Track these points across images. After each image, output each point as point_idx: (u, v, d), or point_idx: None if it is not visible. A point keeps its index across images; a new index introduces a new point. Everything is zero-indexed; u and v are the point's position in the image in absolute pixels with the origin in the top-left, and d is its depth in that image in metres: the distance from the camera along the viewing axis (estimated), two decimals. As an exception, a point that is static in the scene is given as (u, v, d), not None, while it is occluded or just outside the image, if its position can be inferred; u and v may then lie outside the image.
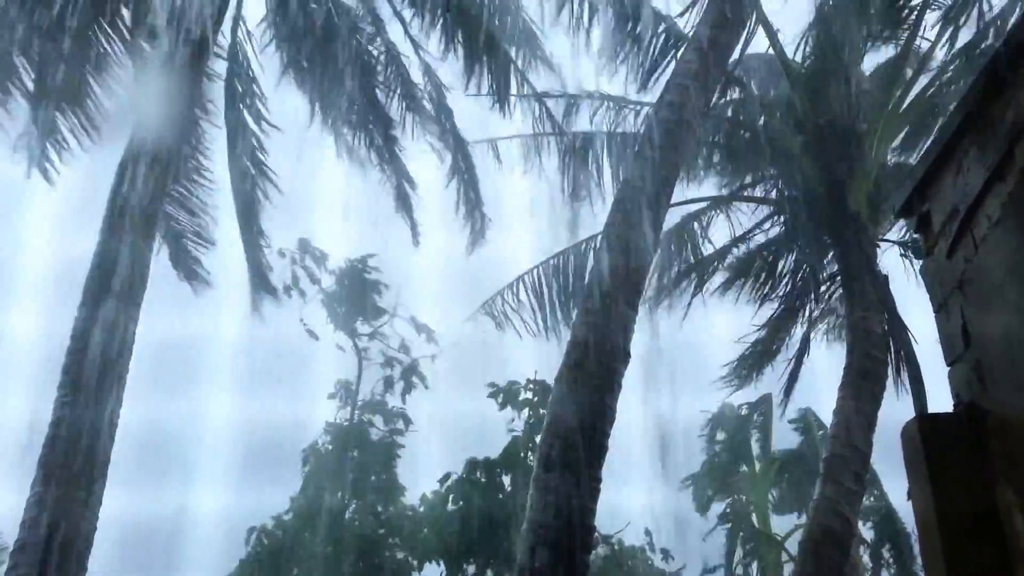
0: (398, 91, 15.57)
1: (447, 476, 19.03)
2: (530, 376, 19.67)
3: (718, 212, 16.57)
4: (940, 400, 3.37)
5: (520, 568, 8.44)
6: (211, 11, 12.11)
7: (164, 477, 21.63)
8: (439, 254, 17.40)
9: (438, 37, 14.63)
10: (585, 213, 15.66)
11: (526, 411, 19.22)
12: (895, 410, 13.38)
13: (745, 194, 16.48)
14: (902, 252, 15.18)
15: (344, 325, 21.47)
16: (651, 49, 13.98)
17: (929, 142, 3.69)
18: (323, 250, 21.83)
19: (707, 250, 16.75)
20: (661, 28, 13.95)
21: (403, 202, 16.00)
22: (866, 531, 20.20)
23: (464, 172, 15.49)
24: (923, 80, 14.78)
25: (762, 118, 15.06)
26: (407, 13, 15.05)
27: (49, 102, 12.98)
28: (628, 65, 14.10)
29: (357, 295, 21.37)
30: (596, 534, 18.01)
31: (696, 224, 16.63)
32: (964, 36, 14.19)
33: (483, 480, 18.59)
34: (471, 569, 18.25)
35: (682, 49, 12.97)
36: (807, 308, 16.20)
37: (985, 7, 13.99)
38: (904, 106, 14.66)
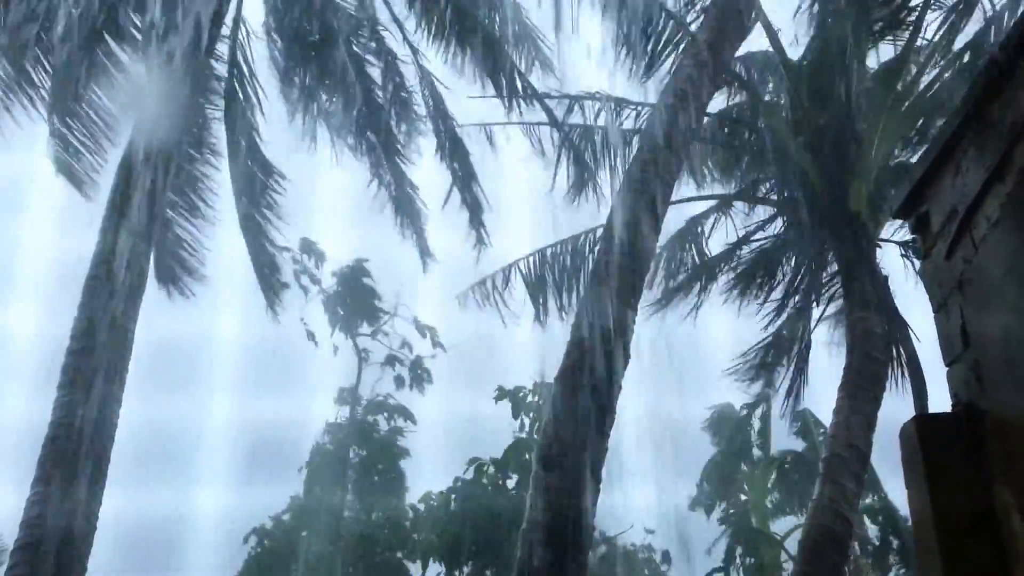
0: (397, 94, 15.60)
1: (457, 480, 19.06)
2: (529, 376, 19.69)
3: (720, 214, 16.58)
4: (943, 400, 3.38)
5: (519, 567, 8.45)
6: (211, 12, 12.13)
7: (164, 477, 21.65)
8: (440, 254, 17.39)
9: (439, 39, 14.64)
10: (585, 209, 15.69)
11: (531, 414, 19.23)
12: (898, 410, 13.40)
13: (748, 194, 16.49)
14: (903, 252, 15.20)
15: (344, 325, 21.48)
16: (653, 45, 13.98)
17: (928, 143, 3.70)
18: (324, 250, 21.85)
19: (708, 251, 16.75)
20: (663, 25, 13.95)
21: (407, 209, 16.04)
22: (869, 531, 20.21)
23: (463, 179, 15.51)
24: (924, 80, 14.78)
25: (762, 118, 15.07)
26: (407, 15, 15.07)
27: (55, 104, 13.05)
28: (630, 63, 14.11)
29: (357, 296, 21.38)
30: (596, 534, 18.05)
31: (698, 225, 16.63)
32: (966, 36, 14.21)
33: (487, 481, 18.60)
34: (472, 569, 18.28)
35: (682, 50, 12.98)
36: (808, 309, 16.19)
37: (987, 6, 14.02)
38: (905, 106, 14.66)
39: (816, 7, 14.41)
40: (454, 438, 21.42)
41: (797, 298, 16.21)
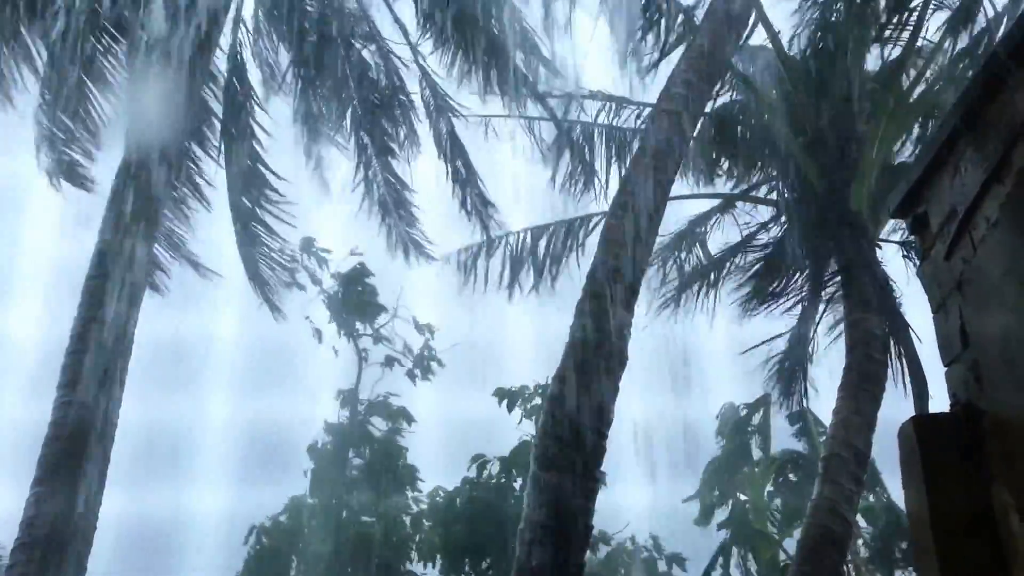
0: (395, 91, 15.63)
1: (466, 482, 19.04)
2: (529, 377, 19.69)
3: (721, 214, 16.58)
4: (944, 401, 3.39)
5: (518, 567, 8.46)
6: (212, 13, 12.15)
7: (164, 477, 21.64)
8: (439, 254, 17.39)
9: (438, 40, 14.65)
10: (582, 202, 15.71)
11: (534, 416, 19.22)
12: (900, 410, 13.41)
13: (748, 194, 16.49)
14: (904, 253, 15.20)
15: (345, 325, 21.48)
16: (654, 42, 14.00)
17: (926, 143, 3.71)
18: (325, 249, 21.83)
19: (708, 251, 16.75)
20: (663, 23, 13.96)
21: (400, 208, 16.08)
22: (870, 531, 20.22)
23: (466, 178, 15.52)
24: (925, 80, 14.79)
25: (764, 118, 15.07)
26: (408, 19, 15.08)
27: (55, 106, 13.08)
28: (630, 61, 14.12)
29: (358, 297, 21.39)
30: (596, 534, 18.06)
31: (698, 226, 16.64)
32: (967, 37, 14.22)
33: (494, 481, 18.60)
34: (476, 570, 18.29)
35: (682, 49, 13.00)
36: (809, 309, 16.19)
37: (988, 7, 14.03)
38: (906, 106, 14.67)
39: (816, 6, 14.42)
40: (454, 438, 21.44)
41: (798, 298, 16.21)
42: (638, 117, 15.37)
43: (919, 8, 14.19)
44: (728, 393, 21.79)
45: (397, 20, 15.23)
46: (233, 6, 14.08)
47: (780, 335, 16.37)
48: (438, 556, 18.89)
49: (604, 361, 9.16)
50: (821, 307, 15.94)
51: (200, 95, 13.02)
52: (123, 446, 10.99)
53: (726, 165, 16.31)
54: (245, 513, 19.58)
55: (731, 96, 15.45)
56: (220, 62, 14.71)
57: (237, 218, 15.54)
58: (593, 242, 11.75)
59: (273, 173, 15.36)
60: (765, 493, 21.38)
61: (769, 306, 16.32)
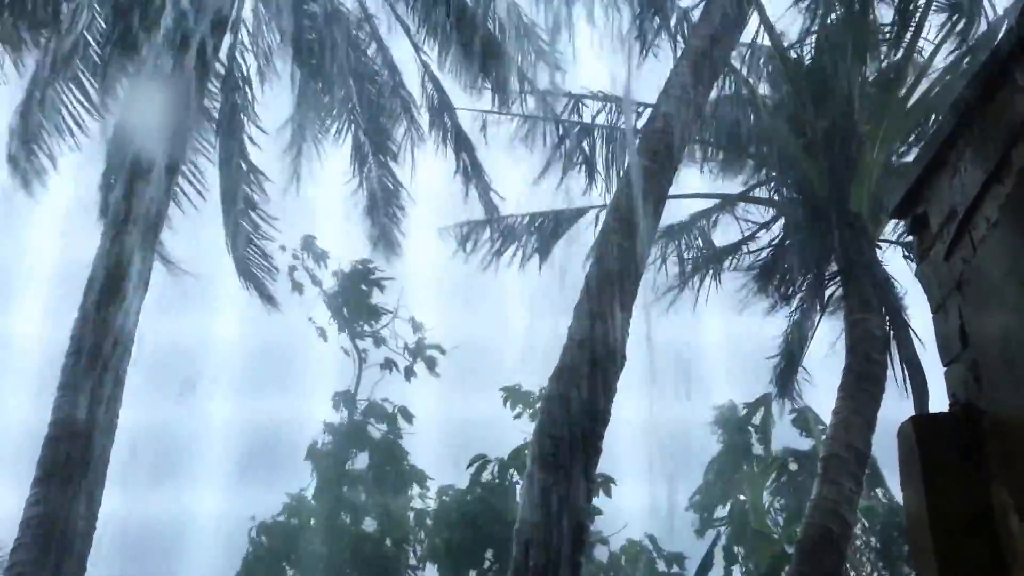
0: (397, 93, 15.66)
1: (474, 484, 19.00)
2: (529, 378, 19.66)
3: (722, 214, 16.59)
4: (944, 401, 3.40)
5: (514, 567, 8.48)
6: (214, 17, 12.20)
7: (163, 477, 21.64)
8: (440, 254, 17.44)
9: (439, 42, 14.67)
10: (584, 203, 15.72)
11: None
12: (902, 411, 13.40)
13: (749, 195, 16.50)
14: (905, 254, 15.20)
15: (345, 327, 21.47)
16: (653, 41, 14.01)
17: (925, 143, 3.70)
18: (325, 249, 21.82)
19: (707, 253, 16.75)
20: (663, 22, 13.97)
21: (391, 209, 16.15)
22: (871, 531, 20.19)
23: (473, 176, 15.57)
24: (926, 81, 14.79)
25: (764, 118, 15.08)
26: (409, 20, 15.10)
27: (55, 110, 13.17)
28: (630, 60, 14.14)
29: (358, 298, 21.38)
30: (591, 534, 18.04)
31: (699, 227, 16.64)
32: (968, 37, 14.22)
33: (498, 481, 18.57)
34: (473, 571, 18.26)
35: (681, 49, 13.01)
36: (809, 309, 16.20)
37: (988, 8, 14.05)
38: (908, 107, 14.68)
39: (817, 6, 14.44)
40: (455, 439, 21.44)
41: (798, 299, 16.21)
42: (638, 117, 15.37)
43: (920, 9, 14.19)
44: (728, 393, 21.78)
45: (398, 18, 15.26)
46: (234, 7, 14.10)
47: (780, 336, 16.37)
48: (437, 557, 18.86)
49: (602, 361, 9.18)
50: (821, 307, 15.95)
51: (201, 98, 13.04)
52: (123, 447, 11.00)
53: (726, 166, 16.31)
54: (246, 514, 19.56)
55: (732, 95, 15.44)
56: (220, 64, 14.73)
57: (227, 215, 15.59)
58: (591, 238, 11.79)
59: (259, 172, 15.38)
60: (765, 492, 21.35)
61: (769, 306, 16.33)
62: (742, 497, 21.28)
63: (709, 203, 16.75)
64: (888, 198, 13.85)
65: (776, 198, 16.02)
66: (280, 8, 14.74)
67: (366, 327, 21.53)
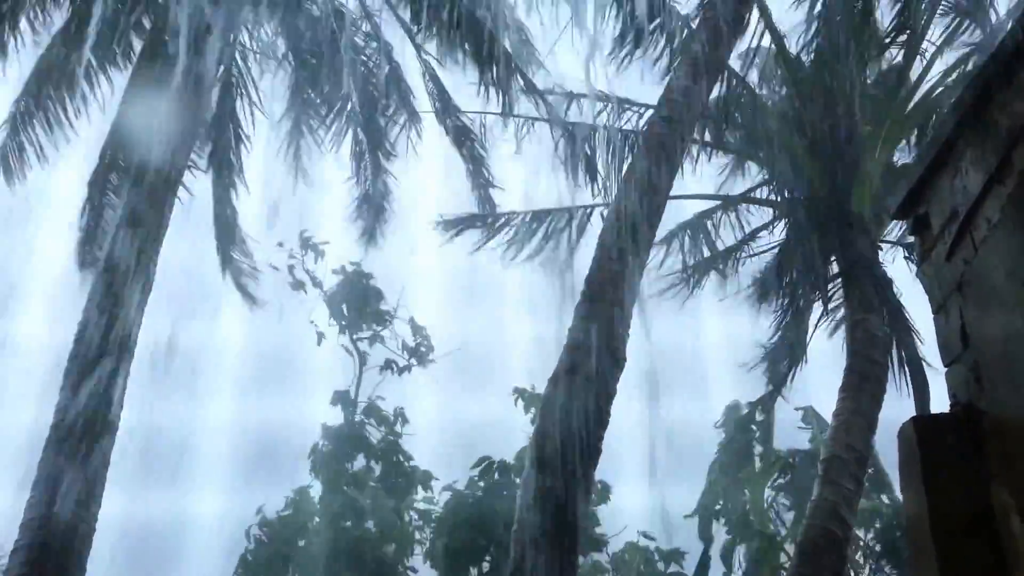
0: (397, 90, 15.70)
1: (477, 483, 18.99)
2: (528, 380, 19.65)
3: (723, 215, 16.58)
4: (945, 401, 3.41)
5: (511, 568, 8.48)
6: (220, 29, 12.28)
7: (164, 479, 21.64)
8: (440, 255, 17.44)
9: (440, 43, 14.68)
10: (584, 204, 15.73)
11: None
12: (904, 411, 13.39)
13: (750, 196, 16.50)
14: (906, 254, 15.20)
15: (347, 329, 21.45)
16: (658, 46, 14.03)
17: (927, 144, 3.71)
18: (323, 246, 21.76)
19: (709, 253, 16.75)
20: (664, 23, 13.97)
21: (378, 210, 16.24)
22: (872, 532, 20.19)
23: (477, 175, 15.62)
24: (928, 82, 14.81)
25: (766, 119, 15.09)
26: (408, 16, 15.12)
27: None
28: (633, 64, 14.15)
29: (358, 300, 21.36)
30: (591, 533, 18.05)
31: (701, 229, 16.63)
32: (969, 39, 14.25)
33: (504, 481, 18.54)
34: (474, 570, 18.25)
35: (681, 51, 13.02)
36: (810, 310, 16.20)
37: (991, 11, 14.07)
38: (909, 109, 14.69)
39: (818, 7, 14.45)
40: (456, 441, 21.42)
41: (800, 300, 16.20)
42: (640, 118, 15.38)
43: (924, 12, 14.20)
44: (729, 394, 21.75)
45: (399, 18, 15.28)
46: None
47: (781, 335, 16.36)
48: (436, 560, 18.85)
49: (601, 362, 9.18)
50: (822, 308, 15.95)
51: (202, 105, 13.05)
52: (123, 448, 11.00)
53: (727, 166, 16.33)
54: (247, 516, 19.55)
55: (733, 97, 15.43)
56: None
57: (217, 216, 15.65)
58: (592, 240, 11.79)
59: (241, 177, 15.40)
60: (766, 492, 21.34)
61: (771, 307, 16.32)
62: (744, 497, 21.27)
63: (710, 204, 16.74)
64: (889, 199, 13.87)
65: (777, 199, 16.02)
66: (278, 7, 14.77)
67: (365, 327, 21.50)
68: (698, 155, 15.78)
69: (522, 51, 14.49)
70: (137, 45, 13.65)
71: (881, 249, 14.79)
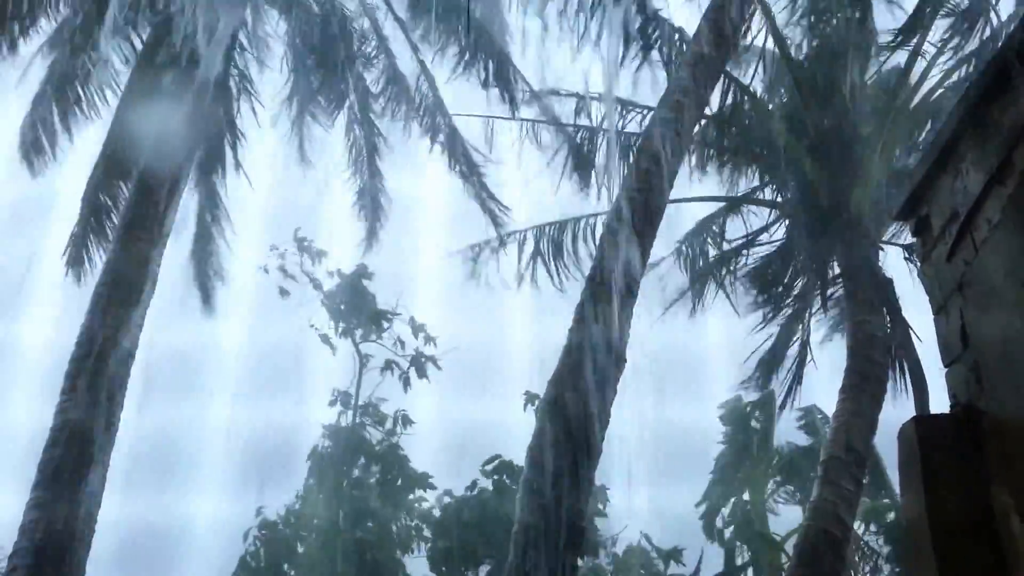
0: (392, 93, 15.75)
1: (475, 484, 18.99)
2: (529, 381, 19.65)
3: (724, 217, 16.57)
4: (945, 402, 3.42)
5: (509, 570, 8.47)
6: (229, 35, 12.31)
7: (163, 481, 21.65)
8: (439, 255, 17.45)
9: (440, 43, 14.71)
10: (585, 207, 15.75)
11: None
12: (905, 412, 13.38)
13: (751, 197, 16.49)
14: (906, 255, 15.20)
15: (349, 331, 21.44)
16: (659, 52, 14.03)
17: (928, 145, 3.72)
18: (320, 248, 21.77)
19: (712, 254, 16.74)
20: (668, 34, 13.98)
21: (375, 212, 16.28)
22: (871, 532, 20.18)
23: (473, 178, 15.64)
24: (928, 83, 14.81)
25: (766, 121, 15.09)
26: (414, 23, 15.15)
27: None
28: (635, 68, 14.15)
29: (357, 301, 21.35)
30: (589, 536, 18.04)
31: (702, 229, 16.62)
32: (971, 41, 14.25)
33: (508, 482, 18.52)
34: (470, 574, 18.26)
35: (682, 53, 13.03)
36: (811, 311, 16.21)
37: (992, 14, 14.07)
38: (909, 110, 14.69)
39: (819, 10, 14.45)
40: (457, 442, 21.44)
41: (800, 300, 16.20)
42: (642, 120, 15.37)
43: (925, 14, 14.20)
44: (730, 395, 21.75)
45: (398, 19, 15.30)
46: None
47: (782, 337, 16.37)
48: (436, 562, 18.84)
49: (601, 364, 9.17)
50: (823, 308, 15.95)
51: (204, 109, 13.06)
52: (123, 450, 11.01)
53: (729, 168, 16.32)
54: (247, 518, 19.54)
55: (734, 99, 15.44)
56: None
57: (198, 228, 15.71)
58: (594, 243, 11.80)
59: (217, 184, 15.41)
60: (768, 492, 21.34)
61: (772, 307, 16.32)
62: (745, 497, 21.27)
63: (711, 206, 16.74)
64: (890, 200, 13.88)
65: (779, 200, 16.01)
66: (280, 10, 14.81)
67: (363, 328, 21.48)
68: (700, 158, 15.79)
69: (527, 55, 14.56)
70: (136, 46, 13.65)
71: (881, 250, 14.79)
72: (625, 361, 9.48)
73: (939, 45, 14.32)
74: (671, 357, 17.52)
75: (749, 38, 14.14)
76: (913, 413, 13.01)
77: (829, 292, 15.59)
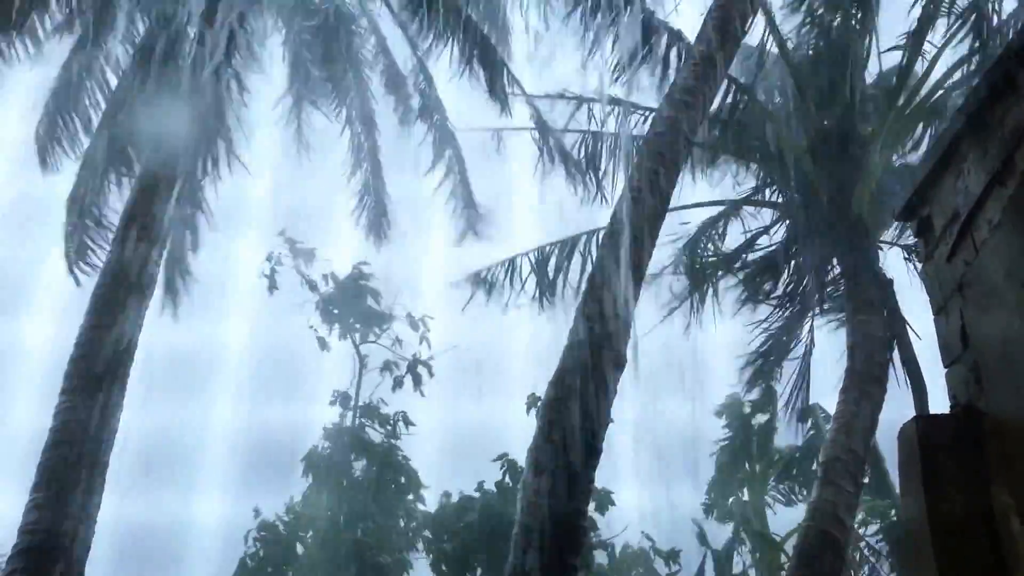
0: (390, 90, 15.79)
1: (481, 485, 18.99)
2: (529, 382, 19.62)
3: (727, 217, 16.56)
4: (945, 402, 3.42)
5: (509, 571, 8.46)
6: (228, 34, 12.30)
7: (163, 482, 21.63)
8: (439, 257, 17.45)
9: (438, 40, 14.70)
10: (586, 212, 15.73)
11: None
12: (906, 413, 13.36)
13: (751, 198, 16.48)
14: (906, 256, 15.20)
15: (344, 332, 21.43)
16: (660, 54, 14.02)
17: (931, 146, 3.72)
18: (320, 249, 21.75)
19: (711, 255, 16.73)
20: (668, 37, 13.98)
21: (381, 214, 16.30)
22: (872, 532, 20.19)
23: (456, 168, 15.67)
24: (928, 84, 14.80)
25: (767, 121, 15.08)
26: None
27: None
28: (637, 70, 14.14)
29: (357, 302, 21.35)
30: (591, 536, 18.04)
31: (703, 230, 16.61)
32: (971, 41, 14.24)
33: (511, 482, 18.51)
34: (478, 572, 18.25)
35: (683, 56, 13.03)
36: (811, 311, 16.20)
37: (992, 14, 14.05)
38: (909, 110, 14.69)
39: (819, 10, 14.44)
40: (454, 443, 21.41)
41: (800, 300, 16.19)
42: (644, 121, 15.37)
43: (925, 13, 14.19)
44: (731, 394, 21.74)
45: (402, 23, 15.30)
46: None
47: (783, 337, 16.37)
48: (436, 564, 18.83)
49: (601, 364, 9.16)
50: (823, 309, 15.95)
51: (205, 107, 13.05)
52: (123, 452, 11.00)
53: (729, 169, 16.31)
54: (247, 519, 19.53)
55: (734, 99, 15.44)
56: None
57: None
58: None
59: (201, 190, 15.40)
60: (767, 492, 21.34)
61: (772, 308, 16.32)
62: (745, 498, 21.27)
63: (712, 211, 16.72)
64: (890, 200, 13.89)
65: (779, 200, 16.00)
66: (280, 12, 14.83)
67: (361, 328, 21.47)
68: (701, 158, 15.78)
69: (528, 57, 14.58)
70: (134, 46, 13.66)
71: (882, 250, 14.78)
72: (625, 360, 9.48)
73: (939, 45, 14.32)
74: (671, 357, 17.48)
75: (749, 38, 14.13)
76: (913, 413, 13.01)
77: (829, 292, 15.60)
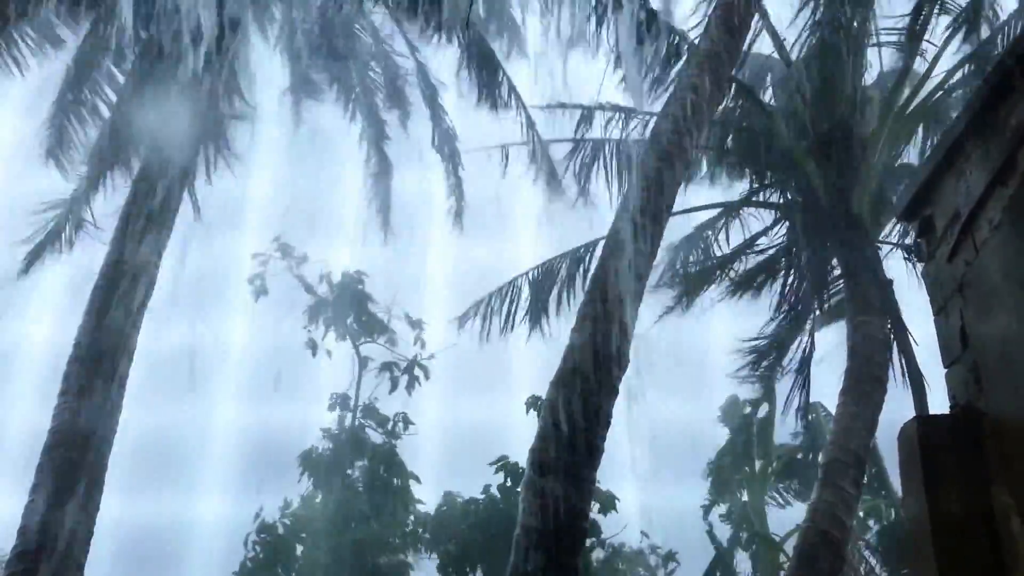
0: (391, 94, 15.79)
1: (487, 488, 18.97)
2: (530, 383, 19.61)
3: (728, 218, 16.54)
4: (944, 403, 3.42)
5: (511, 571, 8.46)
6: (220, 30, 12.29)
7: (163, 483, 21.63)
8: (439, 258, 17.45)
9: (442, 49, 14.72)
10: (590, 217, 15.71)
11: None
12: (906, 413, 13.35)
13: (752, 199, 16.47)
14: (906, 256, 15.18)
15: (344, 333, 21.42)
16: (662, 58, 14.01)
17: (932, 146, 3.73)
18: (320, 249, 21.74)
19: (713, 255, 16.72)
20: (670, 39, 13.95)
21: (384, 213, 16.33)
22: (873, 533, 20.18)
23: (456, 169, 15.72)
24: (929, 85, 14.80)
25: (767, 123, 15.08)
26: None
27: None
28: (638, 75, 14.12)
29: (356, 304, 21.34)
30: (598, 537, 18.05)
31: (704, 231, 16.60)
32: (972, 42, 14.23)
33: (511, 484, 18.50)
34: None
35: (685, 59, 13.02)
36: (811, 311, 16.19)
37: (992, 15, 14.06)
38: (909, 110, 14.69)
39: (819, 11, 14.43)
40: (454, 443, 21.40)
41: (800, 301, 16.18)
42: (645, 127, 15.35)
43: (924, 14, 14.18)
44: (731, 394, 21.74)
45: (404, 33, 15.33)
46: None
47: (783, 337, 16.36)
48: (446, 563, 18.81)
49: (603, 364, 9.16)
50: (823, 310, 15.94)
51: (209, 104, 13.04)
52: (123, 452, 10.99)
53: (730, 170, 16.30)
54: (247, 520, 19.52)
55: (736, 101, 15.44)
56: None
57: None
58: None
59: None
60: (767, 493, 21.33)
61: (773, 308, 16.31)
62: (744, 498, 21.27)
63: (712, 213, 16.71)
64: (890, 200, 13.89)
65: (779, 201, 15.99)
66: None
67: (359, 329, 21.46)
68: (711, 161, 15.81)
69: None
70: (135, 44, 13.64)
71: (882, 250, 14.77)
72: (627, 361, 9.47)
73: (939, 46, 14.32)
74: (671, 357, 17.47)
75: (750, 39, 14.11)
76: (913, 413, 13.01)
77: (829, 292, 15.59)
